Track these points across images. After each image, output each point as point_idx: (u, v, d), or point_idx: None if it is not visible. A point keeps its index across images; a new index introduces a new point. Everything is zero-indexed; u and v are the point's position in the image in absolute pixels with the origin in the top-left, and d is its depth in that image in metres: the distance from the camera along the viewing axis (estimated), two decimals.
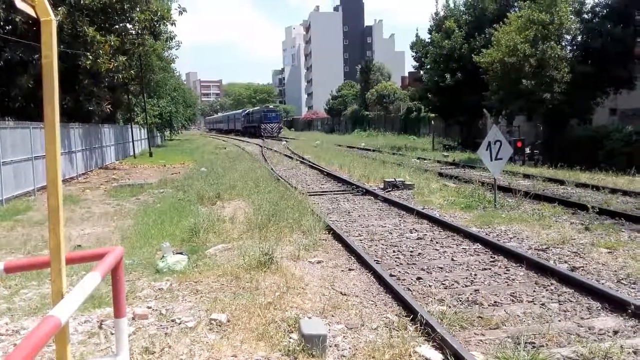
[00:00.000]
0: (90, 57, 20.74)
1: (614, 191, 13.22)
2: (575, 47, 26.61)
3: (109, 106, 26.80)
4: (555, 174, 17.43)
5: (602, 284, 6.35)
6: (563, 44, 25.57)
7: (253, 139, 58.03)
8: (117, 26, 24.69)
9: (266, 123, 63.52)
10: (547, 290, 6.24)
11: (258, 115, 67.01)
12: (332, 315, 5.53)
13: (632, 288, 6.25)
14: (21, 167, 16.29)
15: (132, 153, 35.93)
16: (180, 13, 27.21)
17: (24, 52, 19.04)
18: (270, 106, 73.16)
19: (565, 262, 7.41)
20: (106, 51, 21.19)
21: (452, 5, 36.78)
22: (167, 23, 26.14)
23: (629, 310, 5.31)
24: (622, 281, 6.51)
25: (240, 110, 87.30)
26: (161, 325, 5.26)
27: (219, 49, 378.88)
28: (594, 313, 5.50)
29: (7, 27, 19.29)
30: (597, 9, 26.13)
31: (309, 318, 5.19)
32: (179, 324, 5.27)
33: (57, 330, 1.88)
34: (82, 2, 19.84)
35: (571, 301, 5.86)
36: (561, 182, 15.41)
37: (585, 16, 26.45)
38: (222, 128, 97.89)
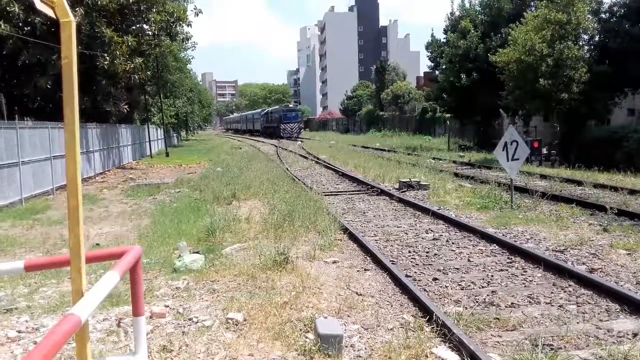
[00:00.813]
0: (108, 57, 20.97)
1: (632, 192, 13.04)
2: (592, 47, 26.36)
3: (126, 106, 27.08)
4: (572, 175, 17.25)
5: (621, 285, 6.28)
6: (580, 43, 25.34)
7: (269, 140, 57.70)
8: (133, 27, 24.96)
9: (285, 123, 60.81)
10: (565, 291, 6.18)
11: (277, 115, 63.84)
12: (348, 316, 5.53)
13: None
14: (40, 167, 16.51)
15: (148, 153, 36.25)
16: (196, 14, 27.45)
17: (42, 53, 19.29)
18: (289, 105, 69.22)
19: (584, 263, 7.34)
20: (123, 52, 21.42)
21: (467, 5, 36.63)
22: (183, 24, 26.38)
23: None
24: None
25: (259, 110, 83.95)
26: (178, 324, 5.30)
27: (234, 49, 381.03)
28: (613, 315, 5.43)
29: (26, 28, 19.57)
30: (615, 8, 25.84)
31: (325, 318, 5.18)
32: (196, 322, 5.30)
33: (77, 328, 1.90)
34: (99, 3, 20.07)
35: (590, 303, 5.80)
36: (579, 183, 15.24)
37: (603, 16, 26.19)
38: (240, 128, 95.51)
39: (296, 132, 61.38)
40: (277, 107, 72.83)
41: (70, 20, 2.42)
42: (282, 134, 59.34)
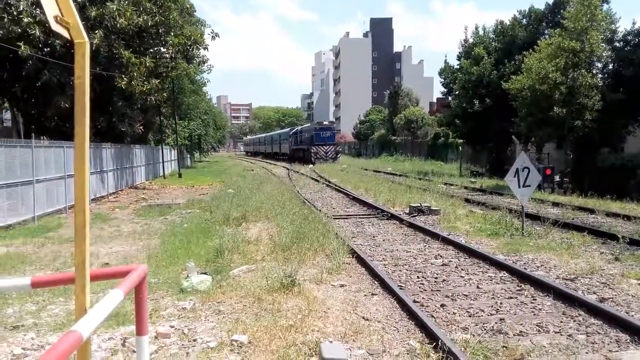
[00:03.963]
0: (125, 78, 21.29)
1: None
2: (606, 75, 26.36)
3: (141, 127, 27.45)
4: (585, 203, 17.11)
5: (632, 316, 6.18)
6: (594, 71, 25.34)
7: (281, 162, 56.27)
8: (151, 50, 25.35)
9: (318, 145, 49.20)
10: (574, 321, 6.09)
11: (308, 134, 52.32)
12: (354, 340, 5.49)
13: None
14: (54, 185, 16.70)
15: (161, 173, 36.51)
16: (213, 38, 27.86)
17: (61, 74, 19.66)
18: (324, 122, 54.97)
19: (594, 292, 7.24)
20: (141, 73, 21.73)
21: (481, 32, 36.85)
22: (200, 47, 26.76)
23: None
24: None
25: (288, 129, 71.85)
26: (183, 345, 5.30)
27: (250, 73, 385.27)
28: (623, 346, 5.34)
29: (46, 49, 19.97)
30: (629, 37, 25.90)
31: (330, 342, 5.15)
32: (201, 343, 5.29)
33: (78, 345, 1.91)
34: (118, 26, 20.43)
35: (599, 333, 5.71)
36: (591, 211, 15.10)
37: (617, 44, 26.23)
38: (265, 151, 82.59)
39: (332, 156, 49.55)
40: (308, 125, 62.19)
41: (84, 42, 2.47)
42: (313, 158, 48.40)
